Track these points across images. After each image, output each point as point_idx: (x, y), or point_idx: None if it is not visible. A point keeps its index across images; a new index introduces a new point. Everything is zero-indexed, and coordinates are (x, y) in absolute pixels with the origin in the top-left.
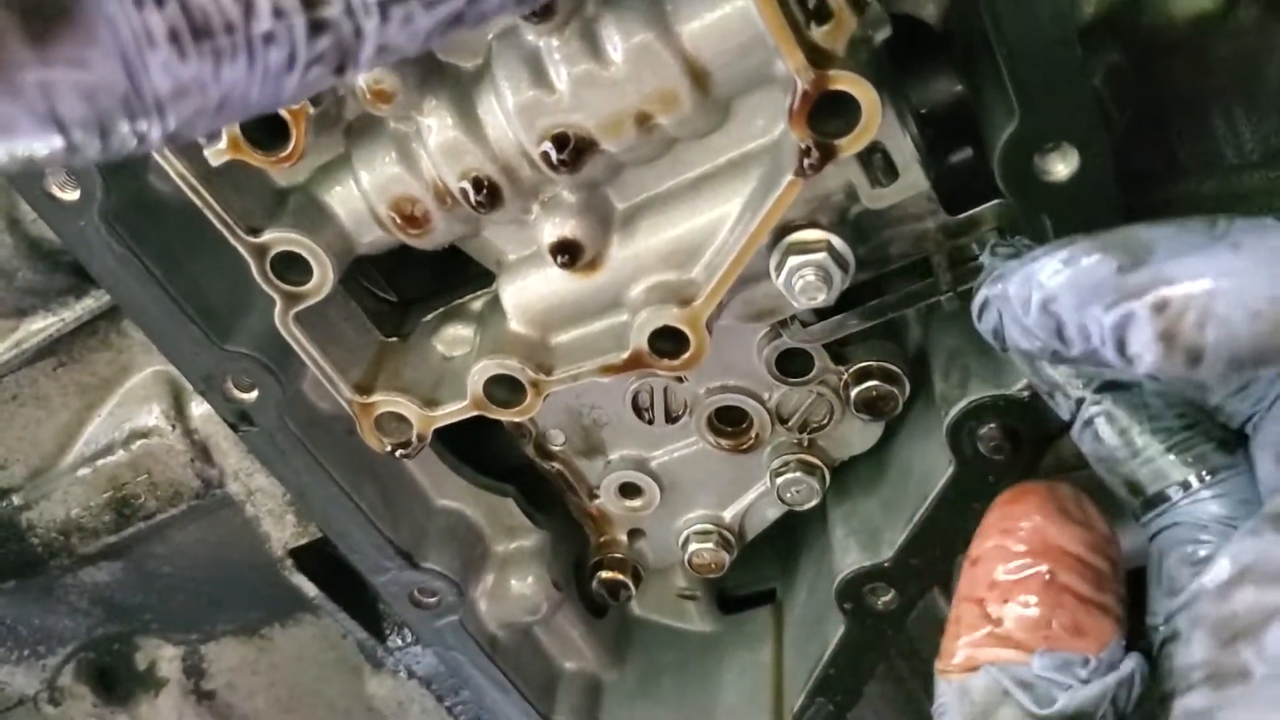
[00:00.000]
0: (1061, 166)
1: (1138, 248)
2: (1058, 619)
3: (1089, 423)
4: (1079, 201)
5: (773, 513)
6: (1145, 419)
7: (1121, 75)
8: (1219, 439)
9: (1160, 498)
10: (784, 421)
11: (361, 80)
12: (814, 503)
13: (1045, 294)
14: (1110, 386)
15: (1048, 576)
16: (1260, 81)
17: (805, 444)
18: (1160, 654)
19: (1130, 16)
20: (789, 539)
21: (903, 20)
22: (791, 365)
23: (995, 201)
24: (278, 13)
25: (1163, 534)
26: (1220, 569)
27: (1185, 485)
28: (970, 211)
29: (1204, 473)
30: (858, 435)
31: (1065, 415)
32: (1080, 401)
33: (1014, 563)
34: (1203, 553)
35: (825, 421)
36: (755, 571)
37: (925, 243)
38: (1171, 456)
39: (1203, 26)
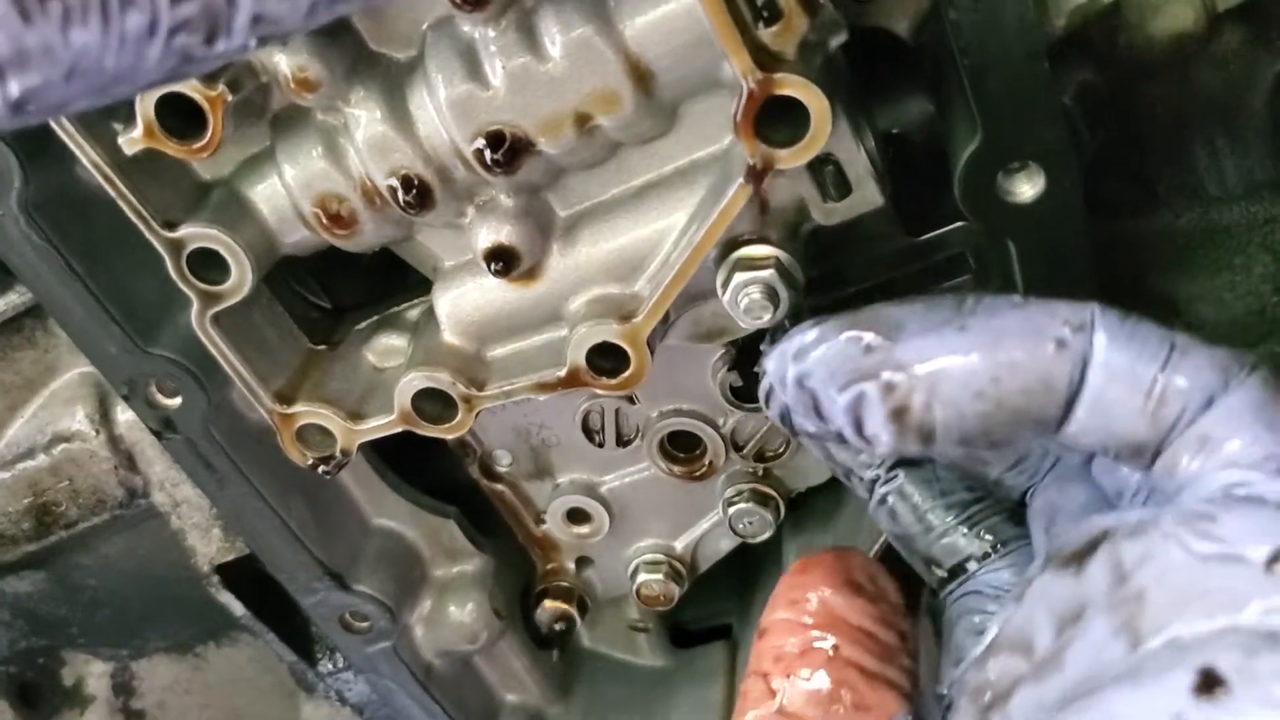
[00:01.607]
0: (1027, 187)
1: (888, 326)
2: (843, 694)
3: (883, 501)
4: (1045, 225)
5: (726, 544)
6: (938, 494)
7: (1094, 94)
8: (1007, 511)
9: (958, 570)
10: (739, 449)
11: (284, 66)
12: (767, 535)
13: (800, 370)
14: (902, 464)
15: (832, 651)
16: (1244, 111)
17: (760, 473)
18: None
19: (1106, 34)
20: (747, 572)
21: (877, 35)
22: (747, 390)
23: (959, 224)
24: None
25: (957, 604)
26: (989, 635)
27: (981, 557)
28: (933, 234)
29: (997, 544)
30: (815, 466)
31: (862, 494)
32: (874, 482)
33: (800, 635)
34: (982, 621)
35: (782, 450)
36: (711, 605)
37: (886, 265)
38: (963, 530)
39: (1183, 48)
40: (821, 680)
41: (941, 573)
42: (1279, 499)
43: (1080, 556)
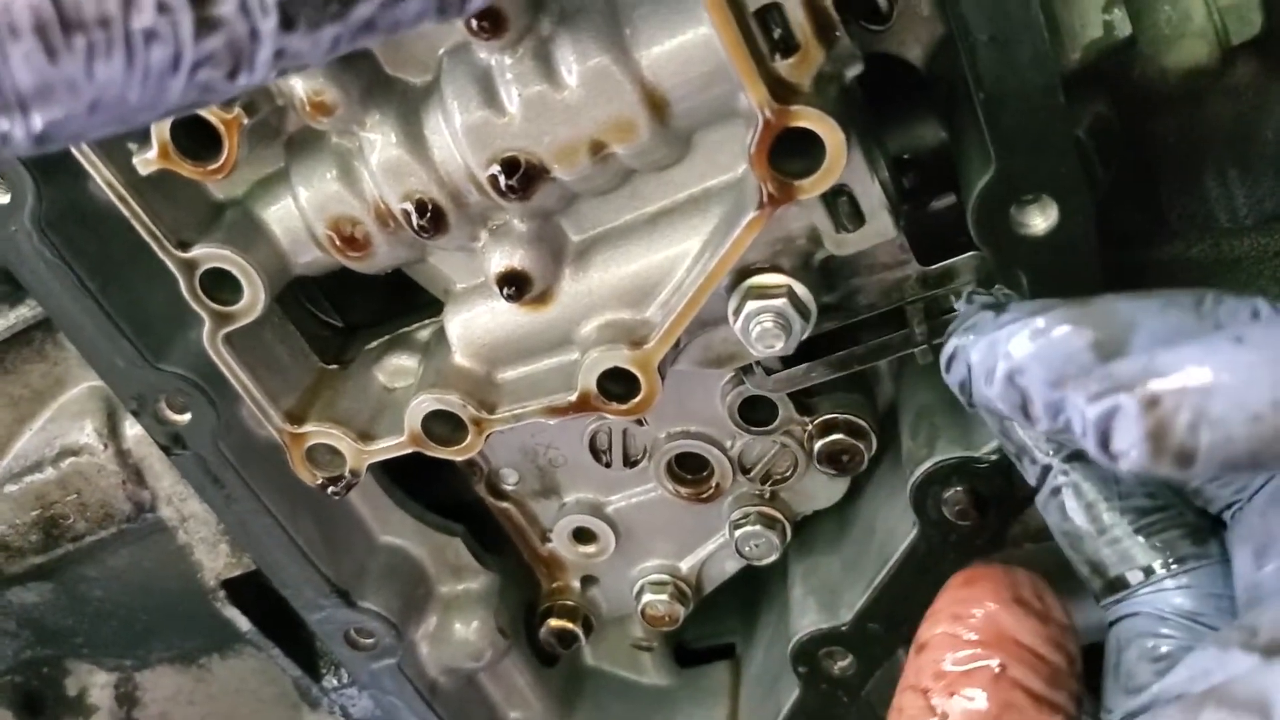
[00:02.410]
0: (1040, 220)
1: (1117, 324)
2: (1007, 716)
3: (1055, 493)
4: (1057, 257)
5: (731, 565)
6: (1115, 495)
7: (1108, 127)
8: (1192, 525)
9: (1122, 582)
10: (746, 471)
11: (300, 90)
12: (773, 558)
13: (1012, 365)
14: (1081, 455)
15: (998, 670)
16: (1256, 142)
17: (767, 496)
18: None
19: (1120, 67)
20: (753, 591)
21: (887, 61)
22: (755, 414)
23: (971, 254)
24: (161, 7)
25: (1123, 622)
26: (1186, 677)
27: (1149, 571)
28: (944, 263)
29: (1171, 560)
30: (822, 490)
31: (1031, 480)
32: (1047, 469)
33: (963, 652)
34: (1164, 648)
35: (789, 474)
36: (716, 624)
37: (897, 293)
38: (1139, 539)
39: (1197, 81)
40: (985, 701)
41: (1107, 579)
42: None
43: None
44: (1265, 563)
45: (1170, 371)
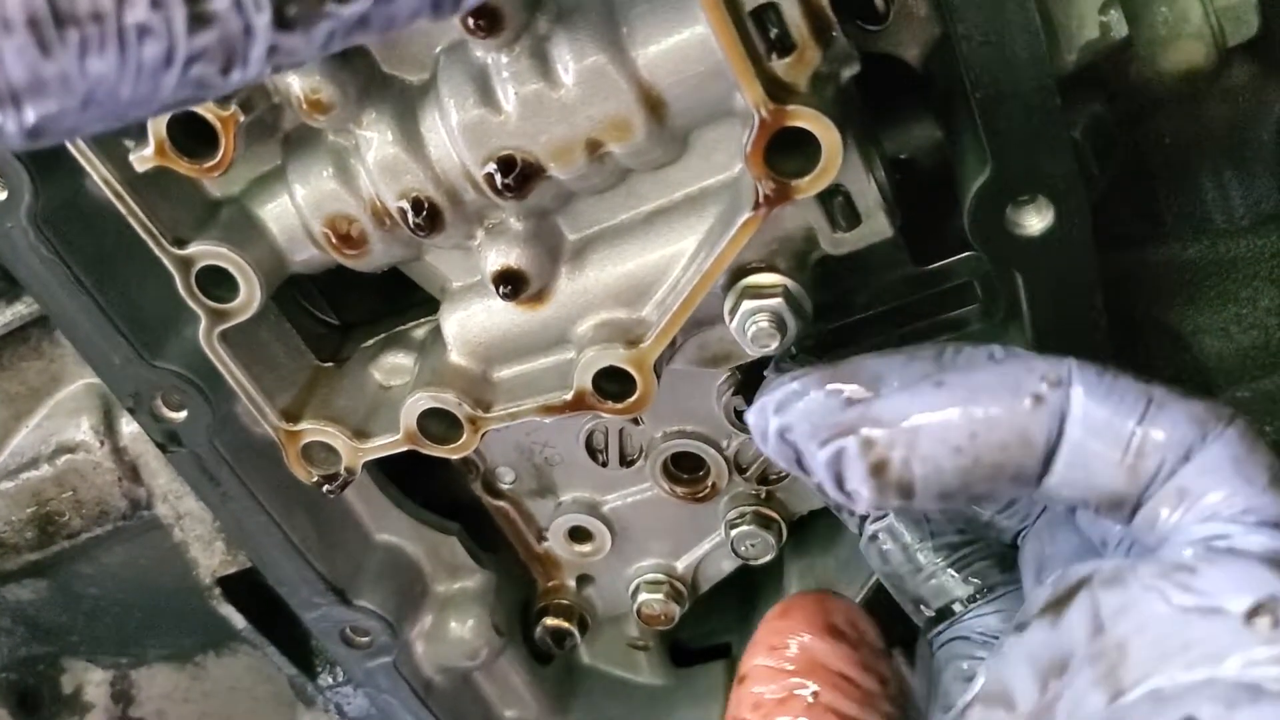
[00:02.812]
0: (1035, 220)
1: (868, 379)
2: None
3: (873, 539)
4: (1053, 258)
5: (727, 565)
6: (927, 535)
7: (1104, 128)
8: (998, 554)
9: (944, 613)
10: (742, 471)
11: (297, 88)
12: (769, 558)
13: (780, 424)
14: None
15: (812, 698)
16: (1253, 144)
17: (763, 496)
18: None
19: (1117, 68)
20: (748, 591)
21: (885, 61)
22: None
23: (966, 254)
24: (154, 2)
25: (944, 648)
26: (974, 687)
27: (967, 600)
28: (940, 263)
29: (984, 588)
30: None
31: (854, 530)
32: (865, 518)
33: (780, 682)
34: (970, 667)
35: (784, 473)
36: (712, 623)
37: (893, 293)
38: (952, 572)
39: (1194, 83)
40: None
41: (929, 613)
42: (1258, 551)
43: (1058, 605)
44: (1044, 574)
45: (883, 417)
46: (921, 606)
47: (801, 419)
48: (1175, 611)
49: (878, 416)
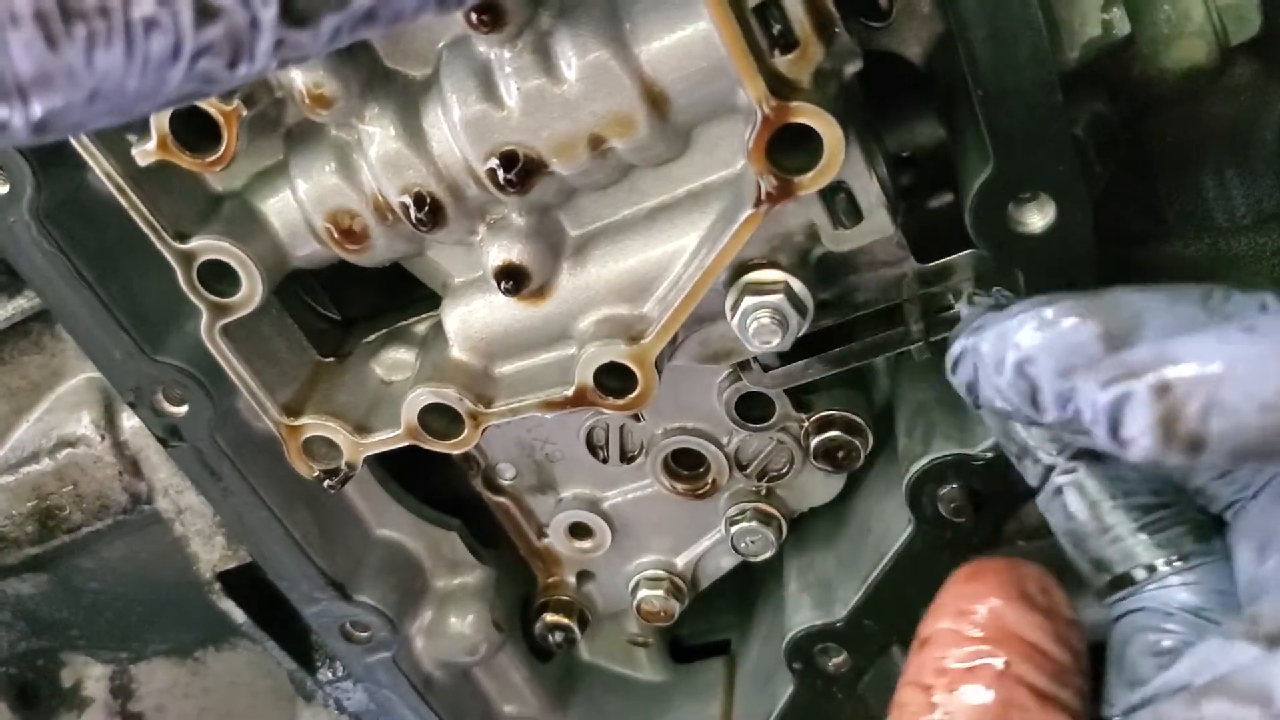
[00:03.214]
0: (1037, 218)
1: (1126, 316)
2: (1010, 714)
3: (1058, 492)
4: (1054, 256)
5: (727, 562)
6: (1119, 493)
7: (1106, 125)
8: (1195, 522)
9: (1126, 579)
10: (742, 468)
11: (300, 82)
12: (769, 555)
13: (1021, 355)
14: (1084, 455)
15: (1002, 667)
16: (1255, 143)
17: (763, 493)
18: None
19: (1119, 66)
20: (749, 587)
21: (887, 59)
22: (752, 410)
23: (969, 251)
24: None
25: (1126, 619)
26: (1189, 670)
27: (1152, 569)
28: (942, 260)
29: (1175, 558)
30: (818, 487)
31: (1033, 481)
32: (1050, 469)
33: (967, 648)
34: (1167, 643)
35: (785, 470)
36: (712, 620)
37: (895, 290)
38: (1143, 536)
39: (1196, 81)
40: (989, 698)
41: (1110, 578)
42: None
43: None
44: (1268, 558)
45: (1182, 359)
46: (1102, 570)
47: (1046, 352)
48: None
49: (1178, 357)
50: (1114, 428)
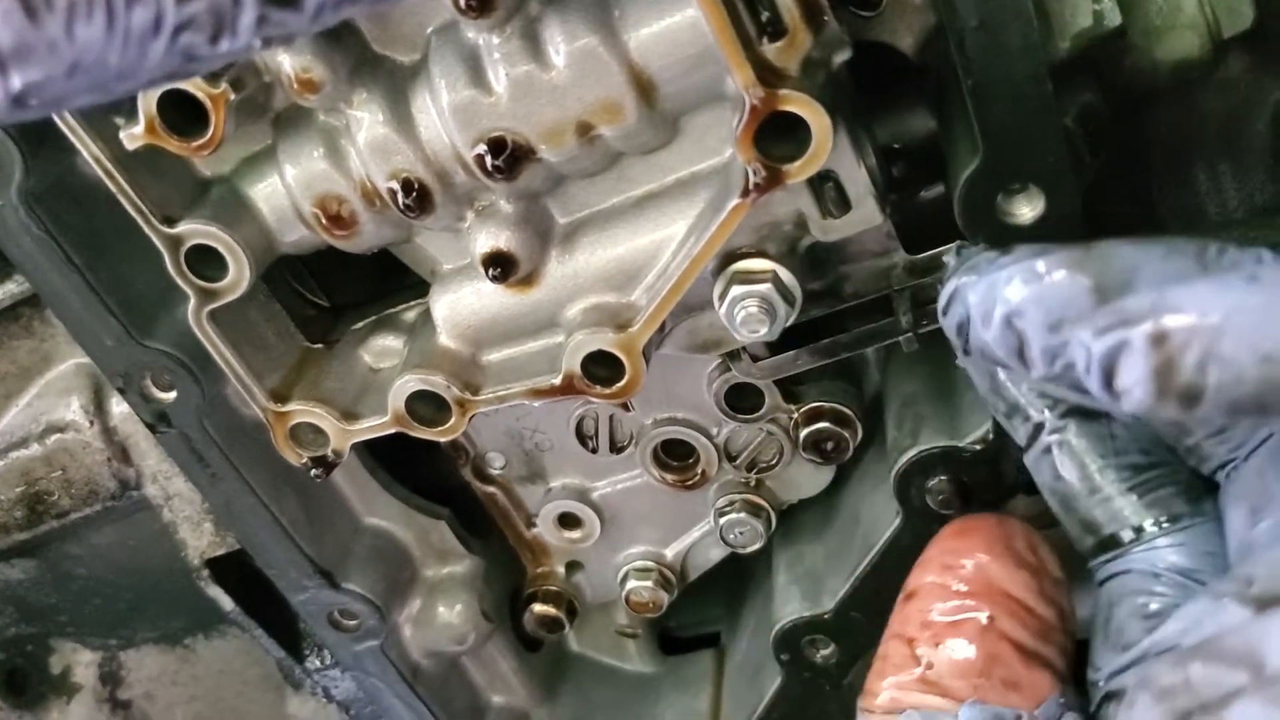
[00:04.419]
0: (1026, 209)
1: (1118, 269)
2: (993, 669)
3: (1047, 451)
4: None
5: (716, 553)
6: (1109, 452)
7: (1096, 117)
8: (1185, 482)
9: (1114, 541)
10: (732, 459)
11: (288, 67)
12: (758, 546)
13: (1010, 308)
14: (1074, 413)
15: (986, 622)
16: (1247, 136)
17: (753, 484)
18: (1099, 713)
19: (1111, 57)
20: (737, 579)
21: (879, 49)
22: (742, 401)
23: (958, 243)
24: None
25: (1114, 580)
26: (1176, 631)
27: (1140, 530)
28: (932, 251)
29: (1164, 519)
30: (808, 478)
31: (1021, 440)
32: (1040, 427)
33: (952, 602)
34: (1155, 605)
35: (774, 462)
36: (701, 612)
37: (884, 281)
38: (1133, 497)
39: (1187, 73)
40: (972, 652)
41: (1099, 538)
42: None
43: None
44: (1260, 519)
45: (1181, 308)
46: (1089, 531)
47: (1035, 305)
48: None
49: (1176, 306)
50: (1108, 378)
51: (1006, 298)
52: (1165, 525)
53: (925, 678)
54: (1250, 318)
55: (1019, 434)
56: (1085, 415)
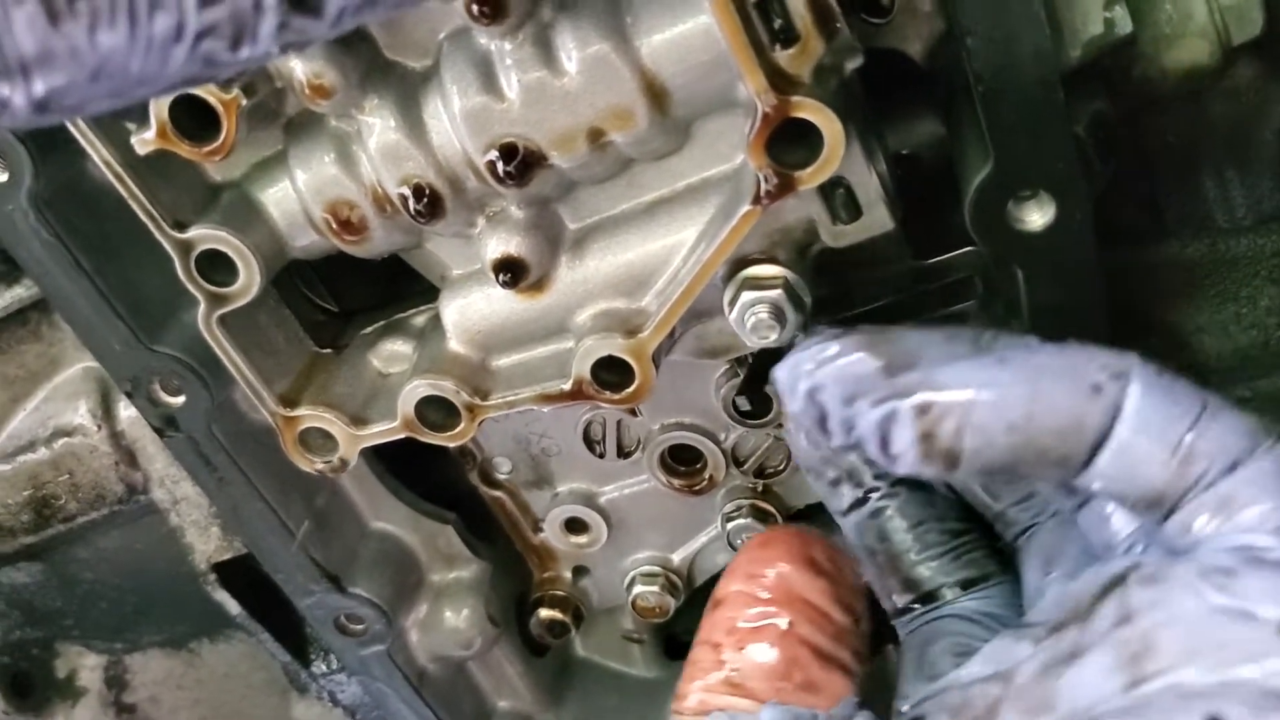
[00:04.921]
0: (1037, 216)
1: (904, 350)
2: (793, 672)
3: (876, 515)
4: (1054, 254)
5: (723, 559)
6: (933, 518)
7: (1107, 124)
8: (992, 548)
9: (934, 595)
10: (739, 464)
11: (300, 72)
12: None
13: (812, 383)
14: (904, 481)
15: (786, 627)
16: (1255, 143)
17: (760, 489)
18: None
19: (1121, 65)
20: None
21: (890, 56)
22: (750, 406)
23: (967, 249)
24: None
25: (932, 625)
26: (979, 664)
27: (963, 585)
28: (941, 257)
29: (978, 576)
30: None
31: (843, 504)
32: (870, 492)
33: (755, 609)
34: (967, 644)
35: (782, 467)
36: None
37: (893, 287)
38: (951, 557)
39: (1197, 81)
40: (773, 656)
41: (918, 594)
42: None
43: (1094, 602)
44: (1051, 569)
45: (942, 385)
46: (909, 589)
47: (834, 381)
48: (1209, 611)
49: (938, 383)
50: (884, 442)
51: (808, 373)
52: (979, 582)
53: (730, 680)
54: (996, 393)
55: (844, 499)
56: (913, 485)
